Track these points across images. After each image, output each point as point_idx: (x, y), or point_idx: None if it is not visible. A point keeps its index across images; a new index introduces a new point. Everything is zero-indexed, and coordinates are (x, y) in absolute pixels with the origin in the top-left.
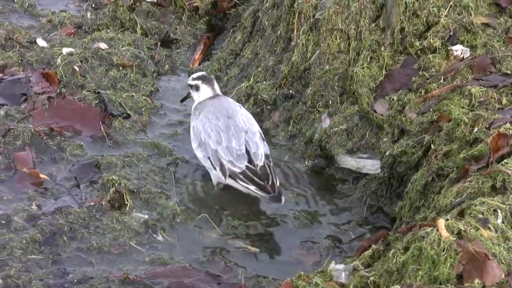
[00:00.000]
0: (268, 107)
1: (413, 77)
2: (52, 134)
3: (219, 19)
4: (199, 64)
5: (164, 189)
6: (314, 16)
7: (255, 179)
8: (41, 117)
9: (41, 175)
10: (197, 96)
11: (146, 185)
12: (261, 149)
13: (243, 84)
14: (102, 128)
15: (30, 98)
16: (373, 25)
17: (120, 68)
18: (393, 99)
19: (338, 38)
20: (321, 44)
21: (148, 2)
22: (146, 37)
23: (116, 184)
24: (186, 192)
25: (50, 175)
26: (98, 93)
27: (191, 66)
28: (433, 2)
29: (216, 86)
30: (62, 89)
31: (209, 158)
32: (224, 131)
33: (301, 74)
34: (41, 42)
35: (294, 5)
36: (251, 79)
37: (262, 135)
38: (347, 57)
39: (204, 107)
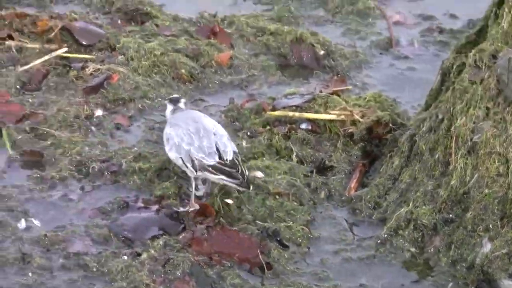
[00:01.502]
0: (429, 232)
1: None
2: (212, 264)
3: (375, 145)
4: (356, 191)
5: None
6: (471, 139)
7: (225, 169)
8: (200, 247)
9: None
10: (165, 114)
11: None
12: (229, 148)
13: (402, 210)
14: (261, 258)
15: (189, 228)
16: None
17: (277, 197)
18: None
19: (496, 161)
20: (480, 168)
21: (303, 129)
22: (302, 165)
23: None
24: None
25: None
26: (256, 223)
27: (347, 194)
28: None
29: (180, 104)
30: (221, 218)
31: (181, 158)
32: (195, 134)
33: (461, 198)
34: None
35: (451, 129)
36: (410, 204)
37: (229, 138)
38: (506, 180)
39: (174, 117)
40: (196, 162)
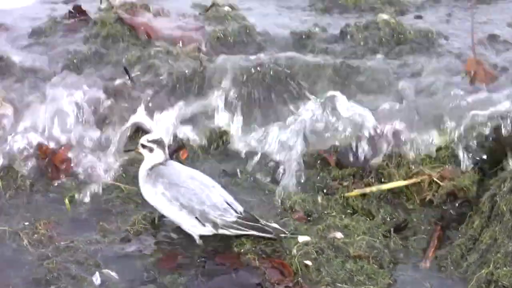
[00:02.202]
0: None
1: None
2: None
3: (454, 206)
4: (434, 255)
5: None
6: None
7: (250, 223)
8: None
9: None
10: (150, 157)
11: None
12: (230, 198)
13: (483, 271)
14: None
15: None
16: None
17: (357, 260)
18: None
19: None
20: None
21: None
22: (382, 225)
23: None
24: None
25: None
26: (335, 285)
27: (423, 265)
28: None
29: (166, 150)
30: (299, 279)
31: (196, 218)
32: (198, 192)
33: None
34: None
35: None
36: (491, 265)
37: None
38: None
39: (160, 173)
40: (217, 221)
